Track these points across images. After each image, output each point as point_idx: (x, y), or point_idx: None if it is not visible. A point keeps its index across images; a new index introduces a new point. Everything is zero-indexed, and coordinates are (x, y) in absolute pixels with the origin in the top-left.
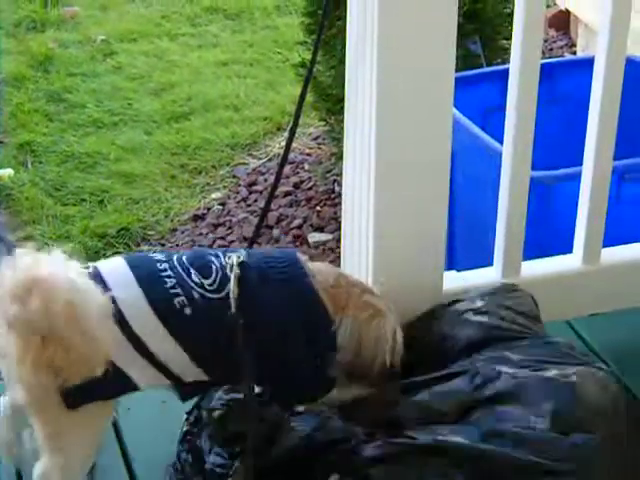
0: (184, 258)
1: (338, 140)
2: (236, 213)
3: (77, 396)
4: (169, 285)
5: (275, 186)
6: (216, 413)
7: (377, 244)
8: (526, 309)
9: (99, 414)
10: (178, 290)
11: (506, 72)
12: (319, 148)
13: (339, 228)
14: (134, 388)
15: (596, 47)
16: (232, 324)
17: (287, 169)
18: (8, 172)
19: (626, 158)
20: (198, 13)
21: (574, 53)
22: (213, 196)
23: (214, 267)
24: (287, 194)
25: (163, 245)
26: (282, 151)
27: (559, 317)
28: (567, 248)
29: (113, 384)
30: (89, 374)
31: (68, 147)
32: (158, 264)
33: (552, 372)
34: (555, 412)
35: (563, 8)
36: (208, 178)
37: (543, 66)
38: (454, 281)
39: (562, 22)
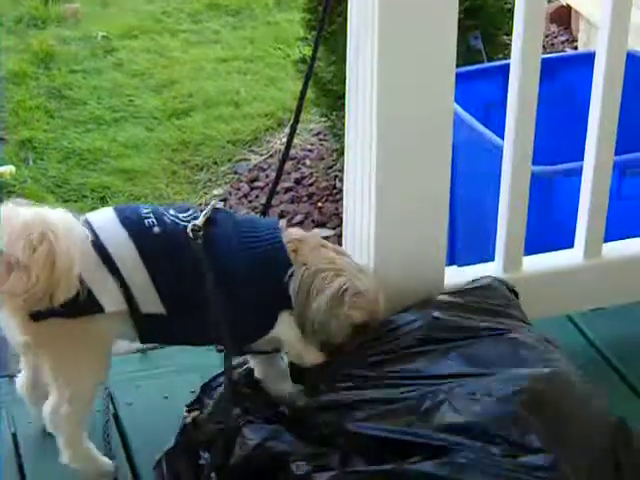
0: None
1: (339, 136)
2: (238, 209)
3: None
4: (144, 213)
5: (276, 182)
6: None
7: (378, 239)
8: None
9: (98, 340)
10: (150, 215)
11: (507, 67)
12: (320, 144)
13: (341, 224)
14: (98, 309)
15: (597, 42)
16: (196, 253)
17: (288, 165)
18: (10, 169)
19: (627, 153)
20: (198, 9)
21: (575, 48)
22: (215, 192)
23: (192, 209)
24: (288, 190)
25: None
26: (283, 147)
27: (560, 312)
28: (568, 243)
29: (76, 301)
30: (53, 299)
31: (69, 144)
32: (142, 206)
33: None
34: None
35: (564, 3)
36: (209, 174)
37: (544, 61)
38: (455, 276)
39: (563, 17)
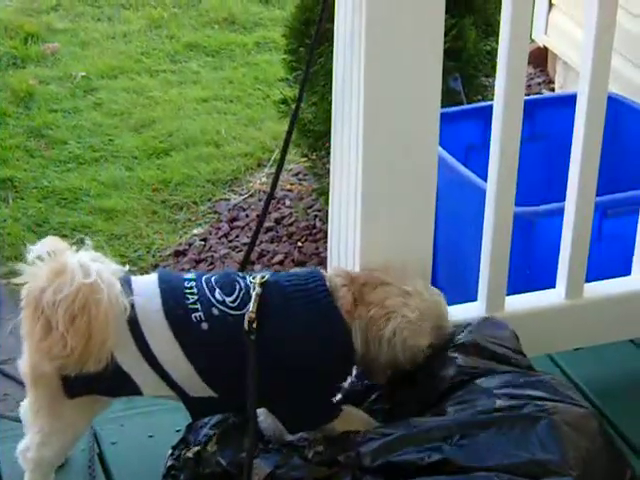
0: (213, 278)
1: (319, 176)
2: (218, 249)
3: (76, 386)
4: (190, 301)
5: (261, 222)
6: (190, 453)
7: None
8: (509, 343)
9: (90, 408)
10: (197, 306)
11: (487, 109)
12: (300, 184)
13: (321, 263)
14: (136, 392)
15: (574, 84)
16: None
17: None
18: None
19: (608, 194)
20: (178, 50)
21: (552, 90)
22: (194, 232)
23: (238, 286)
24: (269, 230)
25: None
26: (263, 187)
27: (542, 351)
28: (550, 283)
29: (114, 383)
30: (84, 369)
31: (49, 183)
32: (186, 282)
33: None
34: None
35: (541, 45)
36: (189, 214)
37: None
38: None
39: (540, 59)
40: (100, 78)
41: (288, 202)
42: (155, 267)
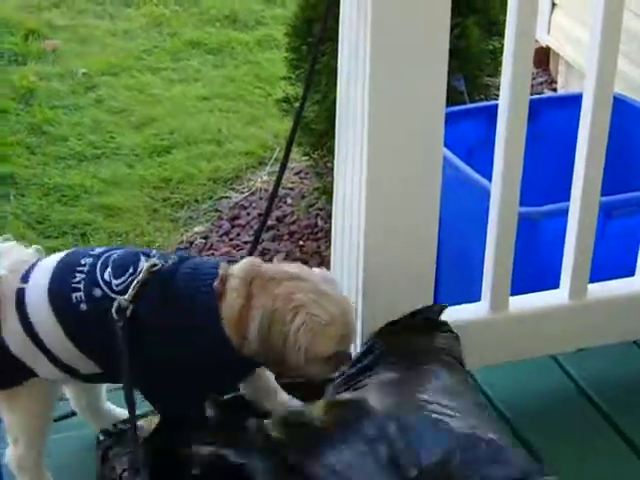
0: (114, 256)
1: (321, 175)
2: (219, 247)
3: None
4: (76, 279)
5: (264, 222)
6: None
7: (366, 278)
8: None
9: (34, 396)
10: (80, 285)
11: (491, 109)
12: (302, 183)
13: (322, 262)
14: (32, 374)
15: (576, 84)
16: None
17: None
18: None
19: (612, 194)
20: (179, 47)
21: (554, 90)
22: (196, 230)
23: (132, 269)
24: (270, 228)
25: None
26: (264, 185)
27: (546, 352)
28: (553, 283)
29: (11, 370)
30: None
31: (50, 180)
32: (83, 259)
33: None
34: None
35: (543, 45)
36: (190, 212)
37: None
38: (442, 316)
39: (542, 59)
40: (101, 75)
41: (290, 200)
42: None
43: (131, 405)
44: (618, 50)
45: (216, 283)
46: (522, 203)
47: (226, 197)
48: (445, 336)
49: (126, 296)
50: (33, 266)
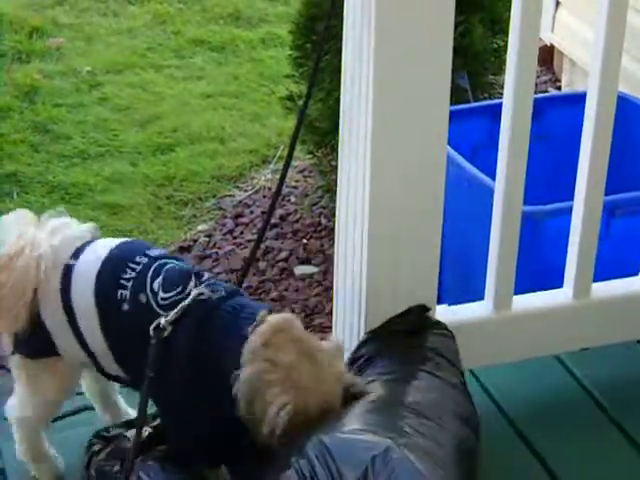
0: (169, 266)
1: (325, 173)
2: (222, 245)
3: (19, 345)
4: (125, 276)
5: (268, 220)
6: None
7: (370, 278)
8: None
9: (56, 373)
10: (128, 284)
11: (495, 107)
12: (305, 181)
13: (325, 261)
14: (56, 353)
15: (580, 82)
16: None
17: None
18: None
19: (615, 193)
20: (183, 45)
21: (558, 88)
22: (199, 228)
23: (181, 287)
24: (273, 226)
25: None
26: (268, 183)
27: (549, 351)
28: (557, 283)
29: (42, 343)
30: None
31: (54, 178)
32: (138, 257)
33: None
34: None
35: (547, 43)
36: (194, 210)
37: None
38: (445, 315)
39: (546, 57)
40: (105, 73)
41: (293, 199)
42: None
43: (141, 423)
44: (622, 48)
45: (250, 330)
46: (526, 202)
47: (230, 195)
48: (437, 335)
49: (168, 317)
50: (86, 244)
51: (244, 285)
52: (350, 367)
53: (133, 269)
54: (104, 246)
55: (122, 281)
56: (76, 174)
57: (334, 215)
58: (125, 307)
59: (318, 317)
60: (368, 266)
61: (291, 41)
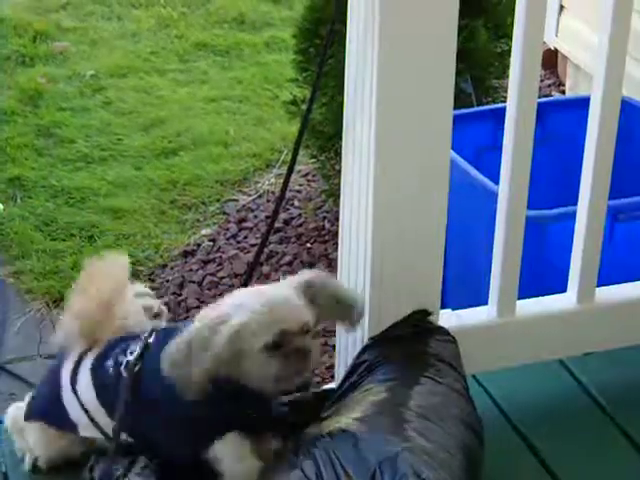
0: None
1: (328, 177)
2: (226, 249)
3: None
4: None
5: (272, 225)
6: None
7: (374, 280)
8: None
9: (49, 439)
10: (114, 358)
11: (498, 111)
12: (309, 185)
13: (330, 265)
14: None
15: (584, 86)
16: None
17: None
18: None
19: (619, 198)
20: (187, 49)
21: (562, 92)
22: (203, 232)
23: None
24: (277, 231)
25: (153, 281)
26: (272, 188)
27: (553, 356)
28: (561, 287)
29: (58, 415)
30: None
31: (58, 182)
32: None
33: None
34: None
35: (551, 47)
36: (198, 214)
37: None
38: (449, 319)
39: (550, 61)
40: (109, 77)
41: (297, 203)
42: (163, 267)
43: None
44: (626, 52)
45: None
46: (530, 206)
47: (233, 199)
48: (439, 341)
49: (134, 354)
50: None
51: None
52: (352, 374)
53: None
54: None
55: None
56: (80, 178)
57: (338, 219)
58: (111, 371)
59: (322, 321)
60: (371, 271)
61: (295, 45)
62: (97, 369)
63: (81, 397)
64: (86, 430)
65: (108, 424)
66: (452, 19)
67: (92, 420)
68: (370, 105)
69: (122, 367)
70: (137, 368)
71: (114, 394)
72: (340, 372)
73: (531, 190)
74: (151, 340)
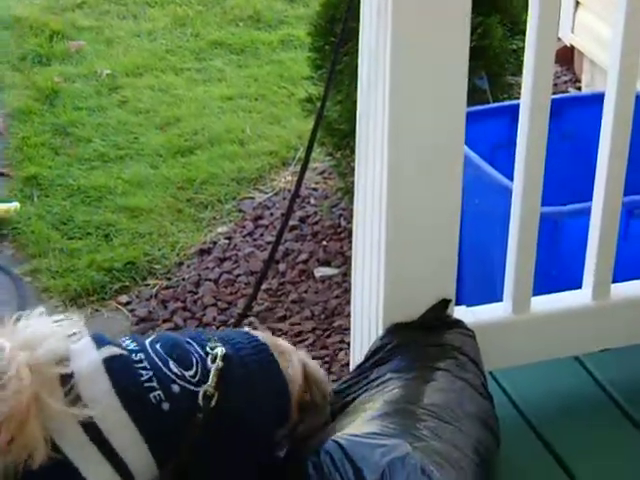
0: (159, 346)
1: (344, 175)
2: (242, 247)
3: None
4: (145, 378)
5: (286, 222)
6: None
7: (388, 277)
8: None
9: None
10: (154, 384)
11: (513, 108)
12: (325, 183)
13: (345, 262)
14: None
15: (601, 82)
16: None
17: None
18: (14, 205)
19: (634, 194)
20: (203, 47)
21: (578, 89)
22: (219, 230)
23: (194, 358)
24: (293, 228)
25: (170, 279)
26: (288, 185)
27: (569, 353)
28: (576, 284)
29: (59, 476)
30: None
31: (74, 181)
32: (133, 354)
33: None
34: None
35: (567, 44)
36: (214, 212)
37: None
38: (464, 316)
39: (567, 58)
40: (125, 76)
41: (313, 201)
42: (180, 265)
43: None
44: None
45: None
46: (547, 203)
47: (249, 197)
48: (458, 334)
49: (209, 383)
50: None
51: (263, 287)
52: (366, 364)
53: (144, 367)
54: (87, 355)
55: (146, 384)
56: (96, 177)
57: (353, 218)
58: (165, 407)
59: (338, 319)
60: (386, 267)
61: (310, 43)
62: (133, 403)
63: (114, 444)
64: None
65: (142, 466)
66: (465, 14)
67: (117, 465)
68: (383, 102)
69: (185, 400)
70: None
71: (177, 433)
72: (356, 362)
73: (548, 186)
74: (219, 367)
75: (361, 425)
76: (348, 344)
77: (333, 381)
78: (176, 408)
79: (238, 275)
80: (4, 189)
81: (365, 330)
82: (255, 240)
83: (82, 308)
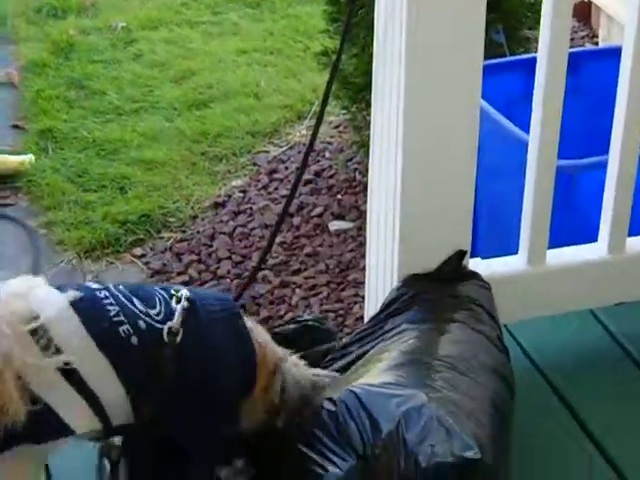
0: (122, 288)
1: (359, 129)
2: (257, 201)
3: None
4: (112, 313)
5: (300, 175)
6: None
7: (403, 229)
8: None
9: (28, 461)
10: (122, 318)
11: (530, 62)
12: (340, 136)
13: (360, 216)
14: (67, 430)
15: (618, 37)
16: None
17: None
18: (29, 158)
19: None
20: (218, 1)
21: (595, 44)
22: (234, 183)
23: (157, 299)
24: (308, 182)
25: (184, 232)
26: (303, 139)
27: (584, 306)
28: (591, 237)
29: (41, 425)
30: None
31: (89, 134)
32: (97, 291)
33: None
34: None
35: None
36: (229, 165)
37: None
38: (479, 268)
39: (584, 13)
40: (140, 29)
41: (328, 154)
42: (194, 219)
43: None
44: None
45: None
46: (561, 156)
47: (264, 151)
48: (475, 285)
49: (175, 321)
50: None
51: (278, 240)
52: (381, 314)
53: (110, 303)
54: (52, 298)
55: (114, 319)
56: (111, 130)
57: (368, 171)
58: (134, 340)
59: (352, 272)
60: (401, 217)
61: None
62: (104, 337)
63: (88, 381)
64: (87, 425)
65: (115, 396)
66: None
67: (94, 403)
68: (399, 54)
69: (150, 337)
70: (179, 338)
71: (144, 369)
72: (370, 315)
73: (564, 140)
74: (185, 306)
75: (377, 375)
76: (362, 298)
77: (347, 334)
78: (144, 343)
79: (253, 228)
80: (19, 142)
81: (380, 283)
82: (270, 194)
83: (97, 261)
